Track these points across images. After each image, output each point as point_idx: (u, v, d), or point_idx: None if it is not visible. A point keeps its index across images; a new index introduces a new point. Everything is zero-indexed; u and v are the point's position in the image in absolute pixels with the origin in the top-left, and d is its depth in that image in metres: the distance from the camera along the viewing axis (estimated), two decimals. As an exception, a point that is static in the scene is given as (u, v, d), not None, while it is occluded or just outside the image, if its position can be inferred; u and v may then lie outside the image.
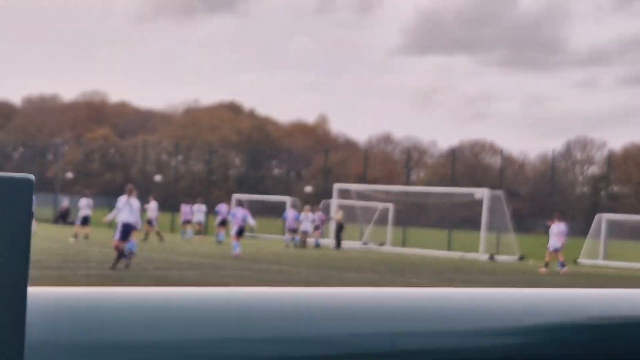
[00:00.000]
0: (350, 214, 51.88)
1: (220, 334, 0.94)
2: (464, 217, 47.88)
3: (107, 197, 56.70)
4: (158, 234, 41.97)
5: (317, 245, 44.98)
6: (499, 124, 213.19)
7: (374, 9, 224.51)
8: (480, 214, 44.34)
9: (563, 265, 34.65)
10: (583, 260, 44.05)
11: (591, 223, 47.53)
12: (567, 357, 1.23)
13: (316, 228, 46.43)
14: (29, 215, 0.77)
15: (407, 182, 64.42)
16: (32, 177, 0.78)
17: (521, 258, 43.26)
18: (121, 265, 23.72)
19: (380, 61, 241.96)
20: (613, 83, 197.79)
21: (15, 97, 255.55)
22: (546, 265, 34.94)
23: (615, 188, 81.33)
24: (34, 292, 0.85)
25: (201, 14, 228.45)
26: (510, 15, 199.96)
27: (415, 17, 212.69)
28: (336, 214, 46.05)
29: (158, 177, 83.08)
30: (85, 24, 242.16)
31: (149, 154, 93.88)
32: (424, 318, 1.13)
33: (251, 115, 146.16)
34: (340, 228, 45.88)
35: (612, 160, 68.99)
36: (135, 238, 25.82)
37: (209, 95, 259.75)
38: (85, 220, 39.81)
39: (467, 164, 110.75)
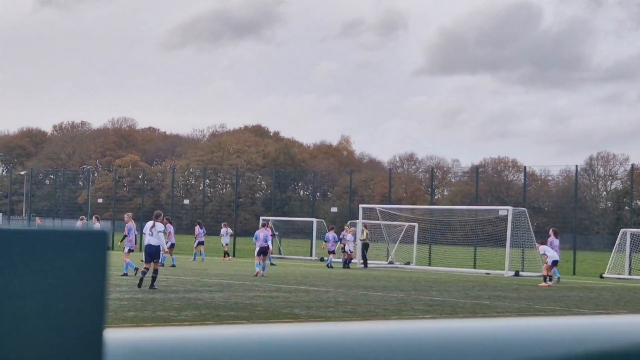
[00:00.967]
0: (375, 233, 52.50)
1: None
2: (488, 234, 48.35)
3: (137, 221, 57.62)
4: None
5: (330, 266, 45.35)
6: (522, 141, 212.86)
7: (398, 31, 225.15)
8: (504, 231, 44.82)
9: (550, 278, 35.19)
10: (608, 274, 44.48)
11: (614, 238, 47.91)
12: None
13: (341, 248, 46.85)
14: (105, 265, 0.81)
15: (432, 201, 64.93)
16: (106, 231, 0.83)
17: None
18: (146, 285, 24.55)
19: (404, 82, 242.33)
20: (636, 98, 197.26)
21: (46, 124, 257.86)
22: (545, 279, 35.41)
23: (639, 202, 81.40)
24: (112, 334, 0.91)
25: (227, 40, 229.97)
26: (532, 34, 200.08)
27: (439, 38, 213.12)
28: (362, 234, 46.58)
29: (186, 201, 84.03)
30: (113, 52, 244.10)
31: (177, 179, 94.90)
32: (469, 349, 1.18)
33: (276, 138, 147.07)
34: (365, 247, 46.40)
35: (635, 175, 69.18)
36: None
37: (234, 120, 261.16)
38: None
39: (490, 181, 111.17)
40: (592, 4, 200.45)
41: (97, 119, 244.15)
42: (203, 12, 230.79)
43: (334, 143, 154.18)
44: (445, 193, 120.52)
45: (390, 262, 49.64)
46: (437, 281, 35.03)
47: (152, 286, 24.83)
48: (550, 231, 39.37)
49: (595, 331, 1.36)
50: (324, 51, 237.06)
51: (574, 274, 47.45)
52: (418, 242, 51.35)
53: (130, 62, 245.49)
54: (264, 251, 34.77)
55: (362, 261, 45.79)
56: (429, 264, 50.12)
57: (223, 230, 50.72)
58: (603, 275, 44.13)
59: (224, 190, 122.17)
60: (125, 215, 35.69)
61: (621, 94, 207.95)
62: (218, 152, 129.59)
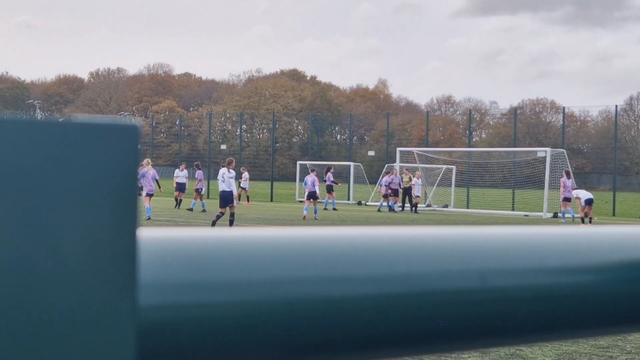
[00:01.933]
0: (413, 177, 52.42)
1: (320, 271, 1.00)
2: (526, 176, 48.12)
3: (175, 167, 57.83)
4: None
5: (332, 208, 44.51)
6: (562, 82, 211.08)
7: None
8: (542, 173, 44.58)
9: (590, 220, 35.30)
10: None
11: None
12: None
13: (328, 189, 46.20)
14: (136, 160, 0.80)
15: (469, 143, 64.61)
16: (138, 124, 0.82)
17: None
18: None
19: (443, 24, 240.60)
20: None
21: (83, 71, 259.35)
22: (583, 220, 35.60)
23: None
24: (145, 233, 0.91)
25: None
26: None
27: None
28: (403, 179, 46.14)
29: (223, 147, 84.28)
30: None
31: (213, 124, 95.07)
32: (514, 255, 1.17)
33: (313, 82, 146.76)
34: (408, 192, 45.74)
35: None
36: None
37: (271, 64, 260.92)
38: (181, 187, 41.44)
39: (528, 123, 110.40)
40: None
41: (133, 66, 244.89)
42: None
43: (371, 87, 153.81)
44: (483, 135, 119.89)
45: (428, 205, 49.56)
46: (475, 224, 34.88)
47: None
48: (564, 172, 39.27)
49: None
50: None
51: (613, 214, 47.14)
52: (456, 185, 51.21)
53: (166, 8, 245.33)
54: (312, 195, 35.66)
55: (402, 205, 45.31)
56: (467, 207, 50.01)
57: (244, 175, 50.18)
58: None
59: (261, 135, 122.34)
60: (144, 161, 35.81)
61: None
62: (254, 97, 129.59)
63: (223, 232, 0.99)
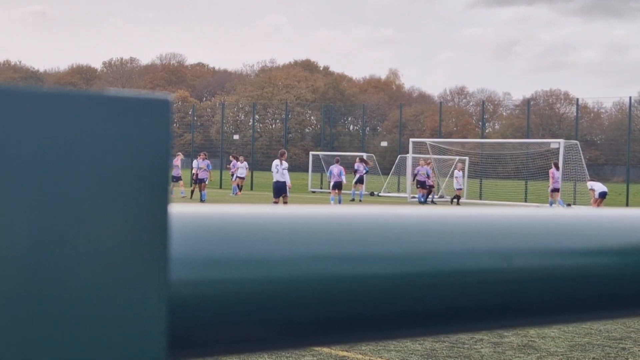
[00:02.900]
0: (426, 167, 52.38)
1: (346, 249, 1.01)
2: (539, 168, 47.94)
3: (188, 157, 57.90)
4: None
5: (359, 200, 44.12)
6: (577, 73, 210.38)
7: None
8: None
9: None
10: (661, 207, 44.07)
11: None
12: None
13: (359, 181, 45.65)
14: (168, 135, 0.81)
15: (482, 135, 64.49)
16: (169, 97, 0.82)
17: (598, 206, 43.36)
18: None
19: (459, 14, 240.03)
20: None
21: (96, 61, 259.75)
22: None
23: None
24: (176, 209, 0.92)
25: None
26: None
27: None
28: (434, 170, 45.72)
29: (236, 137, 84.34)
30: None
31: (226, 114, 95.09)
32: (539, 236, 1.17)
33: (326, 72, 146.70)
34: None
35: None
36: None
37: (284, 54, 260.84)
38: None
39: (542, 114, 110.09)
40: None
41: (146, 55, 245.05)
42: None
43: (384, 77, 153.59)
44: (496, 126, 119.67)
45: (441, 196, 49.50)
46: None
47: None
48: (552, 164, 39.98)
49: None
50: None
51: (626, 206, 46.96)
52: (469, 176, 51.11)
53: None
54: (338, 185, 36.71)
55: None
56: (480, 198, 49.96)
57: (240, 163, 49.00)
58: (656, 208, 43.71)
59: (274, 125, 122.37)
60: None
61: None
62: (268, 87, 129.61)
63: (252, 209, 0.99)
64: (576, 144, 45.73)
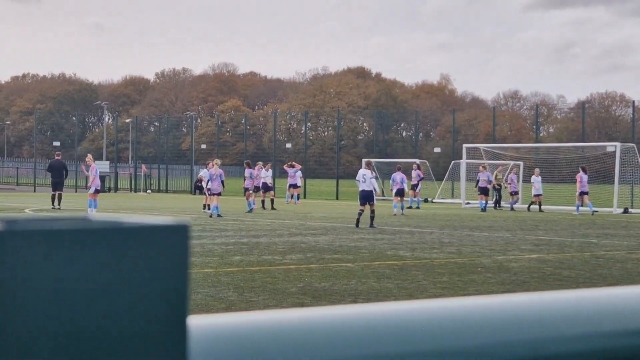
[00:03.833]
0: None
1: (379, 350, 1.00)
2: (595, 171, 47.40)
3: (241, 166, 58.06)
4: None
5: (416, 207, 43.68)
6: (637, 75, 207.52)
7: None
8: (612, 168, 43.93)
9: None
10: None
11: None
12: None
13: (413, 187, 45.11)
14: (187, 257, 0.84)
15: (537, 139, 63.91)
16: (188, 223, 0.84)
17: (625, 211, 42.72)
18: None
19: (515, 17, 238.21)
20: None
21: (148, 72, 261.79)
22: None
23: None
24: (196, 321, 0.93)
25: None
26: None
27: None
28: (497, 176, 45.27)
29: (288, 145, 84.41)
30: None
31: (278, 123, 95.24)
32: (564, 322, 1.15)
33: (378, 79, 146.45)
34: (497, 190, 44.89)
35: None
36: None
37: (338, 61, 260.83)
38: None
39: (597, 117, 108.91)
40: None
41: (198, 66, 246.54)
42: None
43: (436, 82, 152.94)
44: (551, 130, 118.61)
45: (496, 202, 49.08)
46: (543, 220, 34.56)
47: (371, 224, 28.04)
48: (580, 168, 40.98)
49: None
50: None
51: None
52: (523, 181, 50.64)
53: (233, 8, 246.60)
54: (400, 192, 37.40)
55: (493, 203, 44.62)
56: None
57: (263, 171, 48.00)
58: None
59: (326, 133, 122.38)
60: (215, 161, 35.99)
61: None
62: (319, 95, 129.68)
63: (271, 316, 0.99)
64: (633, 147, 45.13)
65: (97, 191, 33.77)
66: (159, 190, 70.82)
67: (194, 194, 64.14)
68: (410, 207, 42.76)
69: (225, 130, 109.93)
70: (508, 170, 46.42)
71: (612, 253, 20.23)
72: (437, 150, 75.51)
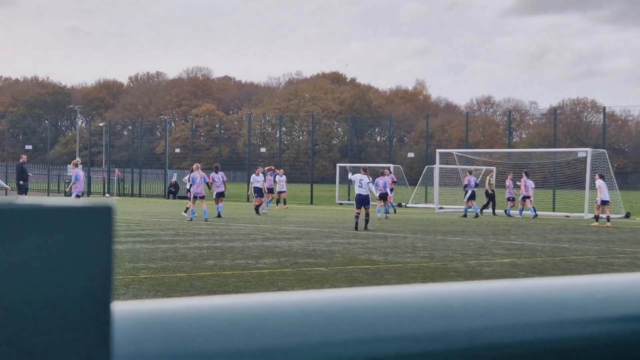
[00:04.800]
0: (452, 178, 52.21)
1: (308, 338, 1.02)
2: (567, 177, 47.75)
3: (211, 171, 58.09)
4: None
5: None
6: (610, 80, 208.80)
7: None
8: (583, 173, 44.25)
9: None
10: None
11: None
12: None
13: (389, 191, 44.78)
14: (111, 239, 0.83)
15: (509, 144, 64.28)
16: (112, 205, 0.84)
17: (627, 215, 43.07)
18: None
19: (491, 23, 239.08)
20: None
21: (122, 76, 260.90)
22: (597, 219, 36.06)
23: None
24: (120, 307, 0.93)
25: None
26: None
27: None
28: (489, 180, 45.35)
29: (263, 150, 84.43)
30: (187, 1, 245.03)
31: (253, 127, 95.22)
32: (499, 312, 1.17)
33: (353, 84, 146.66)
34: (491, 196, 44.82)
35: None
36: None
37: (312, 67, 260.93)
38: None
39: (569, 123, 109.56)
40: None
41: (172, 69, 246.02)
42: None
43: (411, 88, 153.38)
44: (524, 136, 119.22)
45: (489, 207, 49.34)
46: (515, 225, 34.78)
47: (365, 227, 29.26)
48: (524, 173, 42.64)
49: None
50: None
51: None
52: (496, 186, 50.92)
53: (207, 11, 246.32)
54: (384, 197, 38.16)
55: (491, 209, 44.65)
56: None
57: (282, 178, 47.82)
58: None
59: (301, 137, 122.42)
60: (194, 165, 35.90)
61: None
62: (294, 99, 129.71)
63: (196, 302, 0.99)
64: (604, 153, 45.50)
65: (77, 197, 33.25)
66: (132, 195, 70.63)
67: (168, 198, 64.03)
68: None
69: (199, 135, 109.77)
70: (482, 175, 46.54)
71: (583, 258, 20.42)
72: (410, 155, 75.72)
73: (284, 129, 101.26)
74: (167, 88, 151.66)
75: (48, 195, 67.45)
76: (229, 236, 25.25)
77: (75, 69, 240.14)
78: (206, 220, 32.41)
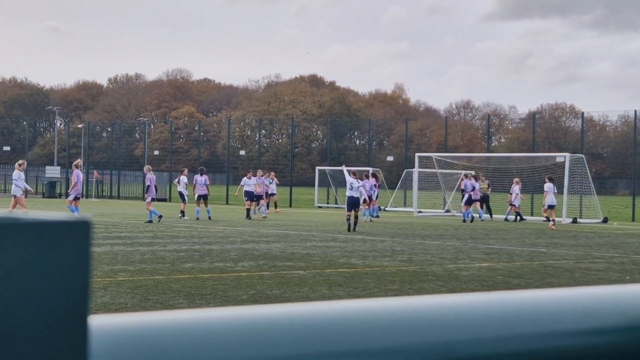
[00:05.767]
0: (432, 182, 52.29)
1: (290, 350, 1.02)
2: (545, 181, 47.84)
3: (194, 173, 57.93)
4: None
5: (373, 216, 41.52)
6: (591, 86, 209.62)
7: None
8: (562, 178, 44.41)
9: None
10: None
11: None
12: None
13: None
14: (88, 253, 0.83)
15: (488, 148, 64.46)
16: (89, 219, 0.83)
17: (605, 220, 43.26)
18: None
19: (474, 28, 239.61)
20: None
21: (101, 77, 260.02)
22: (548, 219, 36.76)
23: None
24: (97, 321, 0.93)
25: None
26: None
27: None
28: (482, 185, 45.34)
29: (242, 152, 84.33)
30: (168, 3, 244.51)
31: (232, 130, 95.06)
32: (479, 325, 1.16)
33: (332, 87, 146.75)
34: (487, 198, 44.76)
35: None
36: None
37: (294, 69, 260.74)
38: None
39: (548, 128, 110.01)
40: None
41: (152, 71, 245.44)
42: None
43: (390, 91, 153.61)
44: (502, 140, 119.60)
45: (447, 211, 49.46)
46: (494, 229, 34.87)
47: (354, 229, 30.39)
48: (471, 176, 43.45)
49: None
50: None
51: (633, 220, 46.94)
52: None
53: (189, 13, 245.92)
54: (368, 199, 38.42)
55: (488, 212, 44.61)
56: (486, 212, 49.82)
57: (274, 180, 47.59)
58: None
59: (280, 140, 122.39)
60: (145, 167, 36.03)
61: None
62: (274, 102, 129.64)
63: (174, 316, 0.99)
64: (582, 158, 45.69)
65: (76, 198, 32.84)
66: (110, 197, 70.40)
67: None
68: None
69: (178, 137, 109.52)
70: (460, 180, 46.43)
71: (561, 262, 20.48)
72: (390, 159, 75.88)
73: (263, 131, 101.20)
74: (146, 90, 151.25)
75: (26, 196, 67.22)
76: (208, 239, 25.20)
77: (54, 70, 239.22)
78: (149, 221, 32.92)
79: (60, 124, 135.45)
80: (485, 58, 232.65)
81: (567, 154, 45.44)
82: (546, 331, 1.19)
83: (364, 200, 37.95)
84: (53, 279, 0.79)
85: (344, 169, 33.89)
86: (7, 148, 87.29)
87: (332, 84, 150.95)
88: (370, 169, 51.92)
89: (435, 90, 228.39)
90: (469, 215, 41.00)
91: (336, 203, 59.27)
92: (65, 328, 0.79)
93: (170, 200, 62.57)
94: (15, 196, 32.00)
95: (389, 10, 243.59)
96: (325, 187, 61.38)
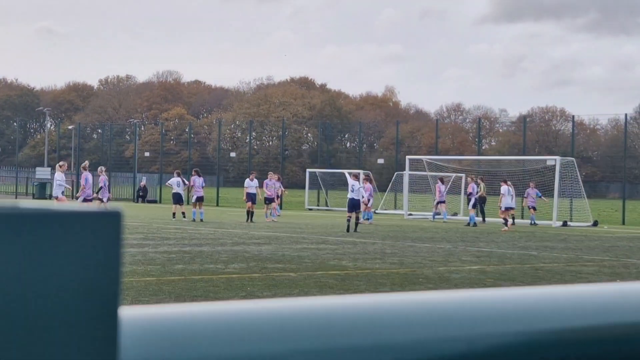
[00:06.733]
0: (422, 185, 52.32)
1: (309, 344, 1.01)
2: (536, 185, 47.89)
3: (186, 175, 57.88)
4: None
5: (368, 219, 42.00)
6: (584, 89, 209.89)
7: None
8: (552, 181, 44.49)
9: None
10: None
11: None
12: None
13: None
14: (119, 245, 0.83)
15: (479, 151, 64.53)
16: (120, 210, 0.84)
17: (595, 224, 43.32)
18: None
19: (467, 30, 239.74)
20: None
21: (92, 79, 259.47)
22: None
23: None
24: (127, 312, 0.93)
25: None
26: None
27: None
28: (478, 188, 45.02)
29: (233, 154, 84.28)
30: (158, 5, 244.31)
31: (223, 132, 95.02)
32: (469, 321, 1.17)
33: (323, 90, 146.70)
34: (483, 201, 44.17)
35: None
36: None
37: (286, 72, 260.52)
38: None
39: (538, 131, 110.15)
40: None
41: (143, 73, 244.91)
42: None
43: (380, 94, 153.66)
44: (493, 143, 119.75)
45: (437, 213, 49.45)
46: (484, 232, 34.89)
47: (355, 230, 31.09)
48: (438, 179, 44.94)
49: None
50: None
51: (623, 223, 47.03)
52: (465, 193, 51.09)
53: (180, 14, 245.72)
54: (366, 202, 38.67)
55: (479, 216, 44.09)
56: (476, 215, 49.85)
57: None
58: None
59: (271, 142, 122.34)
60: (99, 169, 36.08)
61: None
62: (264, 104, 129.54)
63: (203, 308, 0.99)
64: (572, 161, 45.77)
65: (85, 200, 32.62)
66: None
67: (137, 201, 63.79)
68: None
69: (169, 139, 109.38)
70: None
71: (551, 265, 20.51)
72: (380, 161, 75.91)
73: (253, 133, 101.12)
74: (137, 91, 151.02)
75: (16, 198, 67.00)
76: (198, 240, 25.17)
77: (44, 71, 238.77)
78: (194, 220, 35.35)
79: (51, 125, 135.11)
80: (478, 61, 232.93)
81: (558, 157, 45.54)
82: (535, 329, 1.19)
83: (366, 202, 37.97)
84: (85, 270, 0.79)
85: (346, 172, 34.80)
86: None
87: (322, 86, 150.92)
88: (361, 172, 51.94)
89: (427, 93, 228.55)
90: (474, 219, 40.82)
91: (327, 205, 59.27)
92: (97, 318, 0.80)
93: (161, 202, 62.50)
94: (56, 197, 31.94)
95: (383, 13, 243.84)
96: (316, 190, 61.37)
